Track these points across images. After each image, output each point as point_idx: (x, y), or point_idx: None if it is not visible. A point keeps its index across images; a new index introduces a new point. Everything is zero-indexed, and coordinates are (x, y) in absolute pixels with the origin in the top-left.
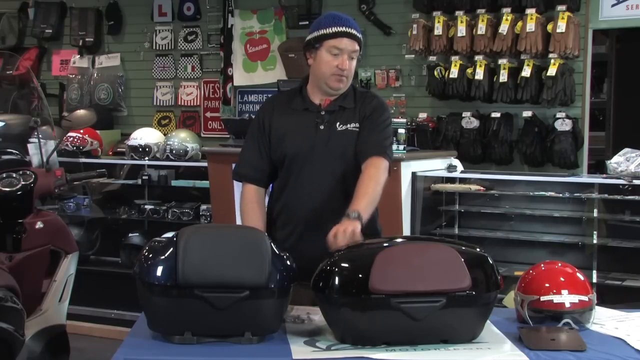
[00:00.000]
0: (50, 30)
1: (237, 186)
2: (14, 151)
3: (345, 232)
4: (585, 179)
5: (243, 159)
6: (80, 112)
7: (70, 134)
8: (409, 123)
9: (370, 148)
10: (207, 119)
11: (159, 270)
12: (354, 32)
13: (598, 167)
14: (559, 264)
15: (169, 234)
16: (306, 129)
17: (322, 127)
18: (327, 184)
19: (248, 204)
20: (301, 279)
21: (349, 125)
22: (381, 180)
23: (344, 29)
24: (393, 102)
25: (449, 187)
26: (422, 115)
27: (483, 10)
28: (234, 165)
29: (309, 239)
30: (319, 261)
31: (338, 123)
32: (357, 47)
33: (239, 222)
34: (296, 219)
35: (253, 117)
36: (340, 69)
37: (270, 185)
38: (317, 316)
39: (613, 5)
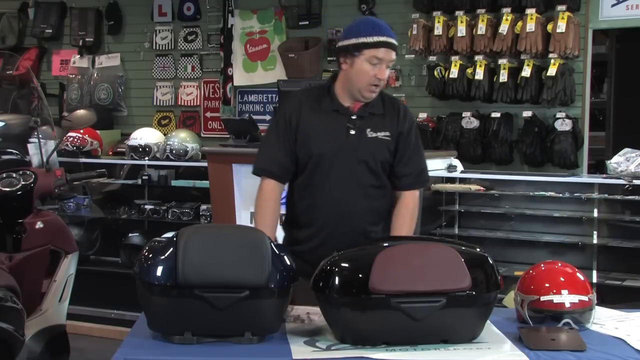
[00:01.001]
0: (50, 30)
1: (237, 186)
2: (14, 151)
3: None
4: (585, 179)
5: (265, 153)
6: (80, 112)
7: (70, 134)
8: None
9: (414, 178)
10: (207, 119)
11: (159, 270)
12: (393, 41)
13: (598, 167)
14: (559, 264)
15: (169, 234)
16: (336, 131)
17: (352, 132)
18: (352, 188)
19: (265, 201)
20: None
21: (379, 134)
22: (415, 215)
23: (385, 38)
24: None
25: (449, 187)
26: (422, 115)
27: (483, 10)
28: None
29: (331, 242)
30: None
31: (369, 129)
32: (394, 57)
33: (239, 222)
34: (320, 222)
35: (253, 117)
36: (378, 79)
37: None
38: (317, 316)
39: (613, 5)
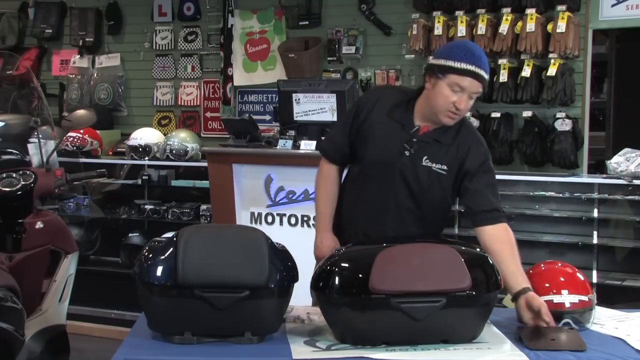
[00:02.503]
0: (50, 30)
1: (237, 186)
2: (14, 151)
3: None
4: (585, 179)
5: (330, 136)
6: (80, 112)
7: (70, 134)
8: None
9: (490, 214)
10: (207, 119)
11: (159, 270)
12: (482, 73)
13: (598, 167)
14: (559, 264)
15: (169, 234)
16: (392, 147)
17: (407, 153)
18: (388, 205)
19: (323, 178)
20: None
21: (434, 165)
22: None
23: (473, 68)
24: None
25: None
26: None
27: (483, 10)
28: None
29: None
30: None
31: (425, 157)
32: (480, 89)
33: (239, 222)
34: (356, 228)
35: (253, 117)
36: (456, 107)
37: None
38: (317, 316)
39: (613, 5)
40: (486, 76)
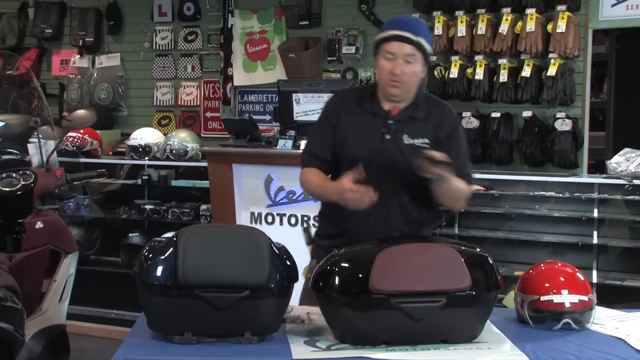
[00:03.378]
0: (50, 30)
1: (237, 186)
2: (14, 151)
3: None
4: (585, 179)
5: (308, 149)
6: (80, 112)
7: (70, 134)
8: None
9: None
10: (207, 119)
11: (159, 270)
12: (405, 34)
13: (598, 167)
14: (559, 264)
15: (169, 234)
16: (371, 136)
17: (388, 136)
18: (385, 195)
19: (306, 173)
20: None
21: (416, 140)
22: (463, 193)
23: (395, 32)
24: None
25: None
26: None
27: (483, 10)
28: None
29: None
30: None
31: (406, 135)
32: (411, 51)
33: (239, 222)
34: (349, 224)
35: (253, 117)
36: (393, 74)
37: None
38: (317, 316)
39: (613, 5)
40: (412, 36)
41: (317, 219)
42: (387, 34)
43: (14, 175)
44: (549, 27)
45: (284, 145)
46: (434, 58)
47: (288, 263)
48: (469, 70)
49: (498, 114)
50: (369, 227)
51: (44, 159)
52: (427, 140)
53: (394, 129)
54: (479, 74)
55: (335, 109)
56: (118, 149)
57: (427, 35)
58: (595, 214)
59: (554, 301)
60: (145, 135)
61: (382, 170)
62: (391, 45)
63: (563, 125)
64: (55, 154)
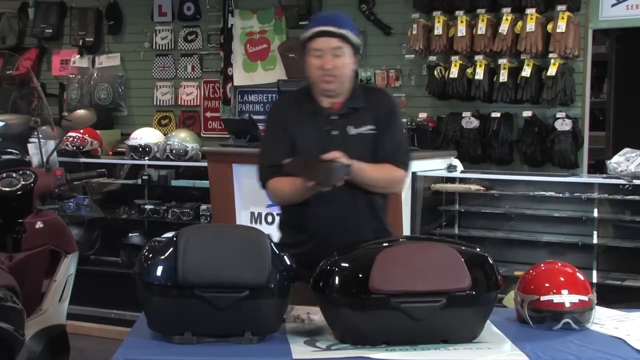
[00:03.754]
0: (50, 30)
1: (237, 186)
2: (14, 151)
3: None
4: (585, 179)
5: (264, 163)
6: (80, 112)
7: (70, 134)
8: (409, 123)
9: (386, 154)
10: (207, 119)
11: (159, 270)
12: (328, 29)
13: (598, 167)
14: (559, 264)
15: (169, 234)
16: (318, 135)
17: (334, 132)
18: (344, 190)
19: (273, 182)
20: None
21: (362, 128)
22: (392, 179)
23: (318, 28)
24: None
25: (449, 187)
26: (422, 115)
27: (483, 10)
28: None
29: (325, 245)
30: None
31: (350, 127)
32: (338, 44)
33: (239, 222)
34: (312, 226)
35: (253, 117)
36: (324, 69)
37: None
38: (317, 316)
39: (613, 5)
40: (336, 30)
41: (278, 230)
42: (311, 31)
43: (14, 175)
44: (549, 27)
45: None
46: (434, 58)
47: (288, 263)
48: (469, 70)
49: (498, 114)
50: (336, 224)
51: (44, 159)
52: (371, 127)
53: (339, 124)
54: (479, 74)
55: (280, 115)
56: (118, 149)
57: (352, 26)
58: (595, 214)
59: (554, 301)
60: (145, 135)
61: None
62: (317, 42)
63: (563, 125)
64: (55, 154)
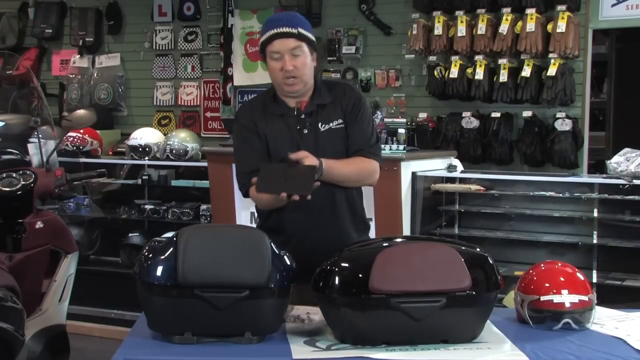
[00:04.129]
0: (50, 30)
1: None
2: (14, 151)
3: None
4: (585, 179)
5: (241, 170)
6: (80, 112)
7: (70, 134)
8: (409, 123)
9: (354, 150)
10: (207, 119)
11: (159, 270)
12: (283, 29)
13: (598, 167)
14: (559, 264)
15: (169, 234)
16: (290, 136)
17: (306, 131)
18: (321, 191)
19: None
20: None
21: (331, 124)
22: (364, 171)
23: (272, 31)
24: (393, 102)
25: (449, 187)
26: (422, 115)
27: (483, 10)
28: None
29: (304, 247)
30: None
31: (320, 123)
32: (295, 44)
33: (239, 222)
34: (290, 229)
35: None
36: (285, 71)
37: None
38: (317, 316)
39: (613, 5)
40: (291, 30)
41: None
42: (266, 35)
43: (14, 175)
44: (549, 27)
45: None
46: (434, 58)
47: (288, 263)
48: (469, 70)
49: (498, 114)
50: (315, 226)
51: (44, 159)
52: (339, 121)
53: (309, 122)
54: (479, 74)
55: (250, 120)
56: (118, 149)
57: (305, 23)
58: (595, 214)
59: (554, 301)
60: (145, 135)
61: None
62: (274, 45)
63: (563, 125)
64: (55, 154)
